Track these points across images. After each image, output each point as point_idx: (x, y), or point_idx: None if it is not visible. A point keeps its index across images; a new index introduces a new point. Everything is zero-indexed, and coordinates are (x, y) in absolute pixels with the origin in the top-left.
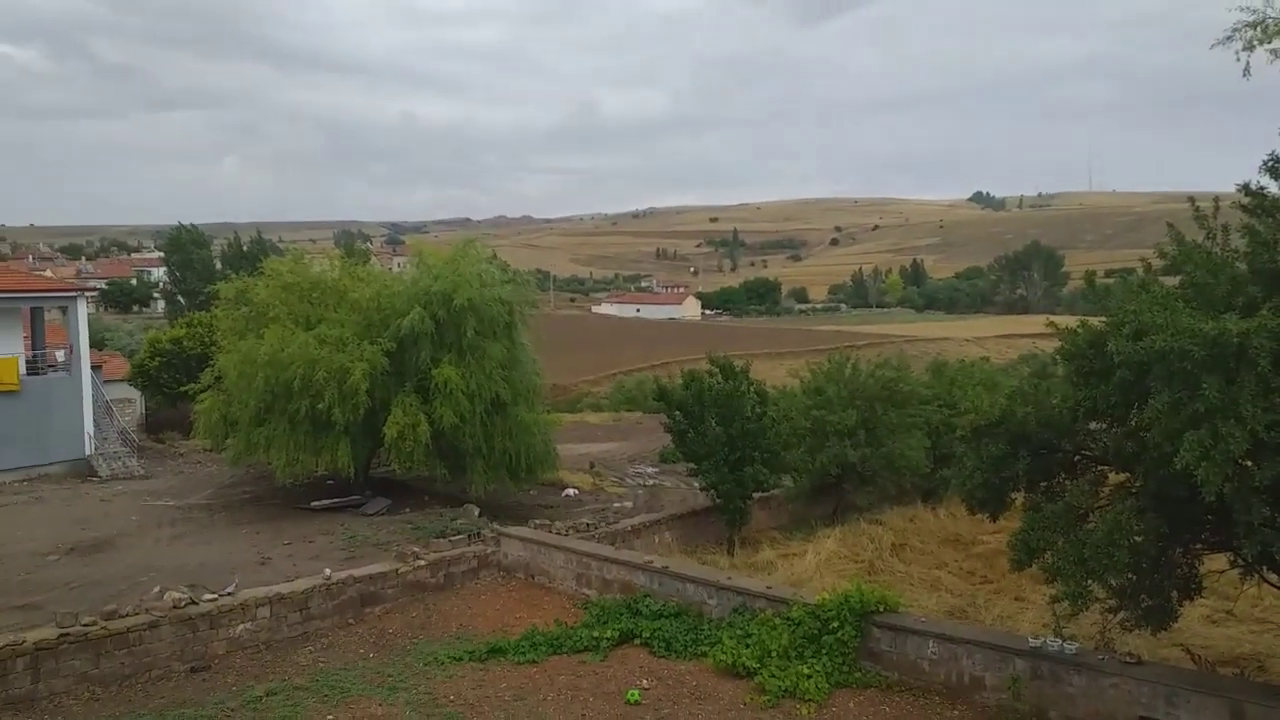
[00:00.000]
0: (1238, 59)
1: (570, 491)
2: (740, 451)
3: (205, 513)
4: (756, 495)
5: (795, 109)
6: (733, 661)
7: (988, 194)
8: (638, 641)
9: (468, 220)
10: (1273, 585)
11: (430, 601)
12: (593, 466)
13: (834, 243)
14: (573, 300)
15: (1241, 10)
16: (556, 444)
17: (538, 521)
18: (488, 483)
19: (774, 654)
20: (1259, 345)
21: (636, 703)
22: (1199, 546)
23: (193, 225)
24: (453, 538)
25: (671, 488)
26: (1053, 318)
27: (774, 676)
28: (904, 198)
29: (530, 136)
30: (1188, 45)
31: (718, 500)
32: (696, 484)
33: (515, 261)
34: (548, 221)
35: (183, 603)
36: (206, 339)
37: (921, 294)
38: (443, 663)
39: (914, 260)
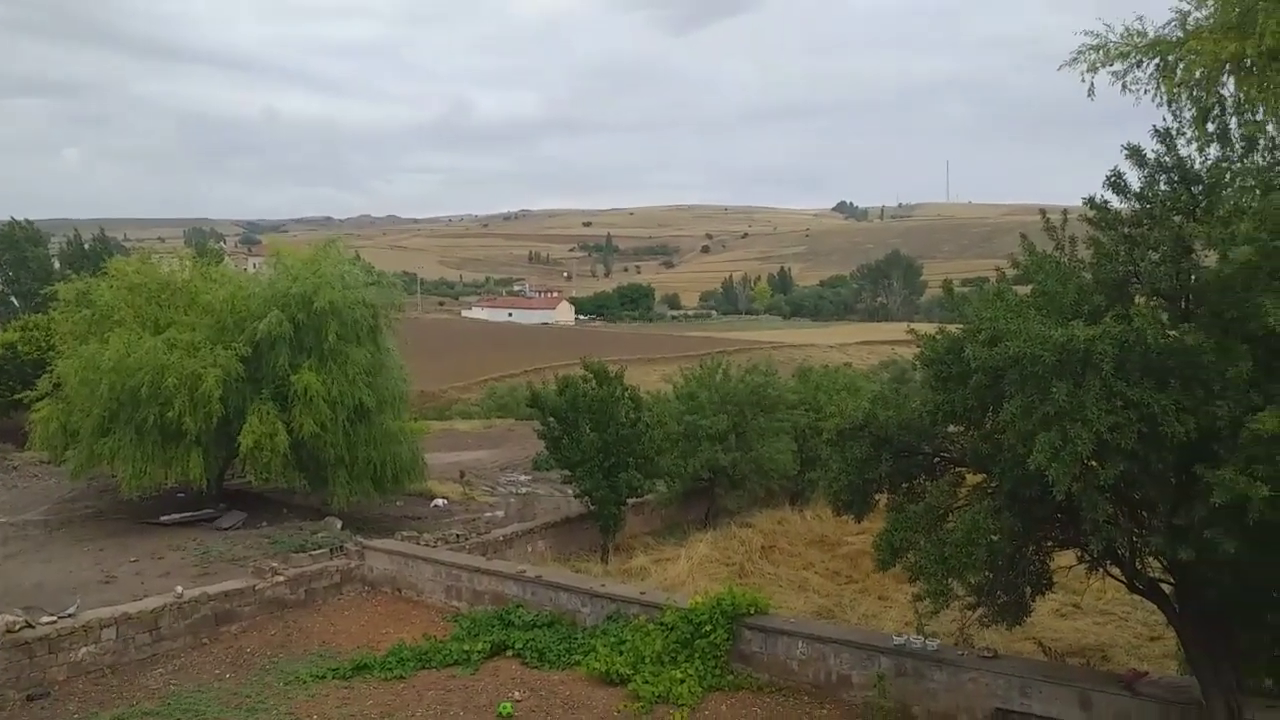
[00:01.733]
0: (1083, 80)
1: (439, 502)
2: (615, 457)
3: (42, 530)
4: (630, 501)
5: (669, 116)
6: (606, 669)
7: (852, 204)
8: (510, 653)
9: (329, 220)
10: (1116, 579)
11: (290, 619)
12: (463, 475)
13: (705, 250)
14: (442, 304)
15: (1086, 34)
16: (425, 453)
17: (405, 534)
18: (351, 494)
19: (648, 660)
20: (1103, 351)
21: (508, 715)
22: (1050, 544)
23: (28, 221)
24: (314, 552)
25: (545, 495)
26: (913, 325)
27: (647, 683)
28: (773, 206)
29: (400, 136)
30: (1041, 68)
31: (592, 507)
32: (570, 491)
33: (381, 264)
34: (415, 222)
35: (17, 626)
36: (44, 343)
37: (789, 301)
38: (304, 682)
39: (782, 268)
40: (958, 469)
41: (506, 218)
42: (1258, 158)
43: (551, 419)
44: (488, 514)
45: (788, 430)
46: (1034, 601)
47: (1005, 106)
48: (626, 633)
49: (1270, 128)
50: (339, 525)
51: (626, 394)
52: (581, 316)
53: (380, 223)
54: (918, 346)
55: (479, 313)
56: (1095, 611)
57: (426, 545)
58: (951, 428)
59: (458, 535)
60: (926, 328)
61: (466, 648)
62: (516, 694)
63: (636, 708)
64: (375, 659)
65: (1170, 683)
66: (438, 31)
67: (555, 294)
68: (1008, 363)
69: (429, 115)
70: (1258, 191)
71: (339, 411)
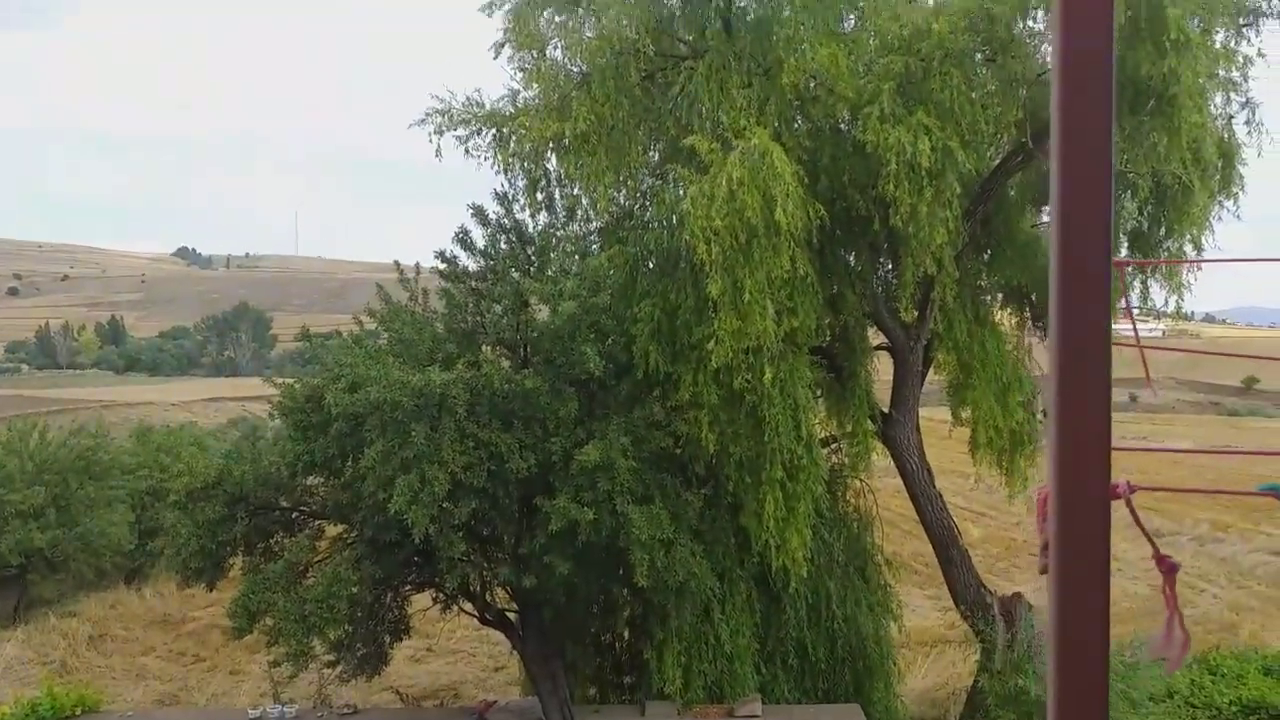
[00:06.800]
0: (431, 141)
1: None
2: None
3: None
4: None
5: None
6: None
7: (195, 250)
8: None
9: None
10: (469, 614)
11: None
12: None
13: (13, 292)
14: None
15: (433, 98)
16: None
17: None
18: None
19: None
20: (456, 395)
21: None
22: (408, 588)
23: None
24: None
25: None
26: (269, 378)
27: None
28: (101, 247)
29: None
30: (388, 136)
31: None
32: None
33: None
34: None
35: None
36: None
37: (122, 355)
38: None
39: (113, 316)
40: (318, 522)
41: None
42: (576, 226)
43: None
44: None
45: (123, 499)
46: (392, 649)
47: (352, 165)
48: None
49: (585, 201)
50: None
51: None
52: None
53: None
54: (276, 393)
55: None
56: (447, 652)
57: None
58: (312, 479)
59: None
60: (285, 381)
61: None
62: None
63: None
64: None
65: (516, 705)
66: None
67: None
68: (369, 408)
69: None
70: (577, 256)
71: None
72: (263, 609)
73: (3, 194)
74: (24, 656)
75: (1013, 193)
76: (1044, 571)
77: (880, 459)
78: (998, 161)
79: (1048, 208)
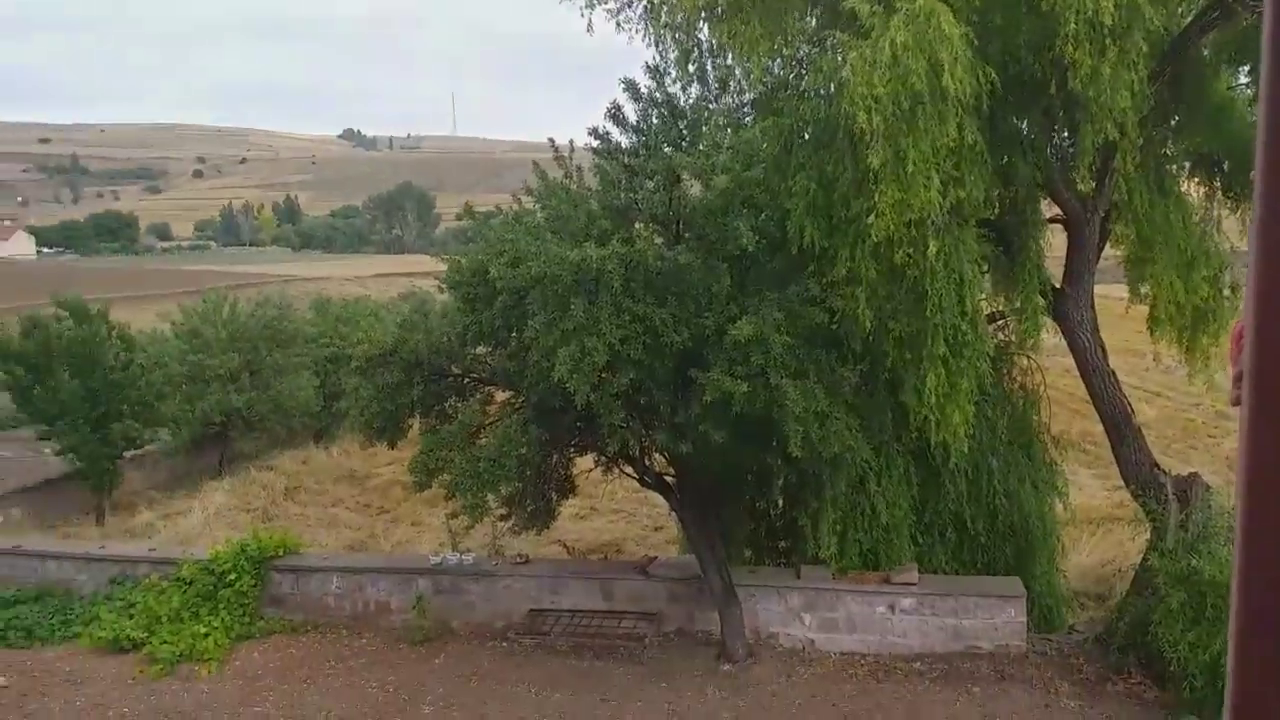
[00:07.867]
0: (582, 15)
1: None
2: (105, 406)
3: None
4: (129, 454)
5: (133, 20)
6: (114, 636)
7: (359, 132)
8: None
9: None
10: (630, 476)
11: None
12: None
13: (198, 175)
14: None
15: None
16: None
17: None
18: None
19: (164, 619)
20: (612, 270)
21: None
22: (572, 451)
23: None
24: None
25: (13, 458)
26: (435, 255)
27: (166, 643)
28: (272, 130)
29: None
30: (528, 9)
31: (79, 464)
32: (48, 449)
33: None
34: None
35: None
36: None
37: (297, 232)
38: None
39: (288, 196)
40: (487, 388)
41: None
42: (729, 98)
43: (17, 367)
44: None
45: (308, 365)
46: (559, 506)
47: (501, 43)
48: (136, 595)
49: (738, 72)
50: None
51: (114, 334)
52: (46, 249)
53: None
54: (443, 269)
55: None
56: (609, 511)
57: None
58: (480, 348)
59: None
60: (453, 256)
61: None
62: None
63: (156, 670)
64: None
65: (675, 562)
66: None
67: (9, 223)
68: (530, 282)
69: None
70: (730, 129)
71: None
72: (439, 466)
73: (183, 81)
74: (231, 504)
75: (1206, 52)
76: (1236, 403)
77: (1049, 337)
78: (1190, 18)
79: (1246, 68)
